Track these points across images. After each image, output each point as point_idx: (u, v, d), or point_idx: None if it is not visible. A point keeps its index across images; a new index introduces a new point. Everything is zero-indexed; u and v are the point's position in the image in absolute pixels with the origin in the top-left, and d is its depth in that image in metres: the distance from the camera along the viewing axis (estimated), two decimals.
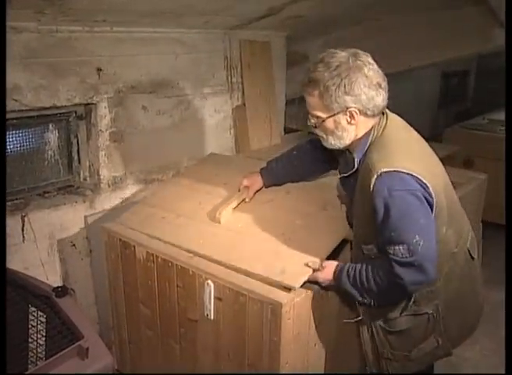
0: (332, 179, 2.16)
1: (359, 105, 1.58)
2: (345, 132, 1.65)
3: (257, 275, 1.80)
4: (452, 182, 1.76)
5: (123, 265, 2.23)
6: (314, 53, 3.95)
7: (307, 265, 1.77)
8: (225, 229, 2.08)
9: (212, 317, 1.89)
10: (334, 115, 1.62)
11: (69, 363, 1.61)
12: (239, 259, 1.87)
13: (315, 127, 1.70)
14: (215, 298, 1.86)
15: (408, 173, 1.51)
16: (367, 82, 1.56)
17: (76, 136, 2.57)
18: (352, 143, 1.68)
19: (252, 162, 2.60)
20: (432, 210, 1.55)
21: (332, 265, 1.73)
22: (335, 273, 1.69)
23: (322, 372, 1.99)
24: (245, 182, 2.21)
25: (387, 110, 1.70)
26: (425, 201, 1.52)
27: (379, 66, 1.63)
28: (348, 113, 1.60)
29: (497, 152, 4.21)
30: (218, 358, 1.95)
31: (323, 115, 1.64)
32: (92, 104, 2.50)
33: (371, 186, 1.53)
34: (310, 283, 1.78)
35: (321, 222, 2.00)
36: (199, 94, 3.00)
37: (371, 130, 1.65)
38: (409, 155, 1.60)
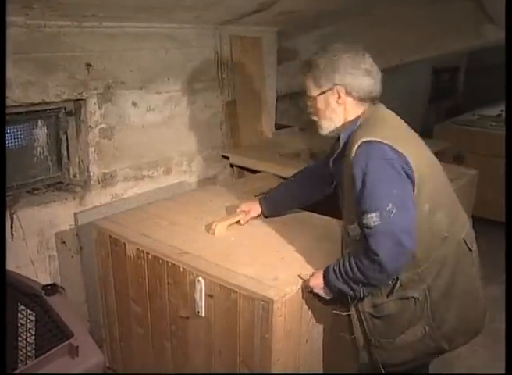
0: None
1: (345, 83, 1.70)
2: (334, 113, 1.75)
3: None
4: None
5: (114, 262, 2.21)
6: (304, 49, 3.95)
7: (299, 276, 1.79)
8: (220, 239, 2.09)
9: (203, 314, 1.88)
10: (324, 92, 1.73)
11: (59, 362, 1.59)
12: (232, 264, 1.87)
13: (311, 109, 1.81)
14: (206, 295, 1.85)
15: (387, 144, 1.57)
16: (355, 65, 1.69)
17: (66, 132, 2.55)
18: (343, 126, 1.76)
19: (246, 195, 2.66)
20: (412, 183, 1.58)
21: (321, 270, 1.74)
22: (323, 274, 1.70)
23: (317, 367, 2.00)
24: (243, 207, 2.25)
25: (380, 103, 1.78)
26: (403, 172, 1.56)
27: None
28: (336, 92, 1.71)
29: (487, 148, 4.25)
30: (210, 355, 1.94)
31: (315, 93, 1.76)
32: (81, 100, 2.48)
33: (352, 156, 1.60)
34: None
35: (315, 250, 2.01)
36: (189, 89, 2.98)
37: (359, 116, 1.73)
38: (392, 132, 1.67)
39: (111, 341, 2.40)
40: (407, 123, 1.78)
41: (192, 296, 1.89)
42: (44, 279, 2.40)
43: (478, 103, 5.67)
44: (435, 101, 6.69)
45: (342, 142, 1.73)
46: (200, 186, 3.07)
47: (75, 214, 2.52)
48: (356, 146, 1.59)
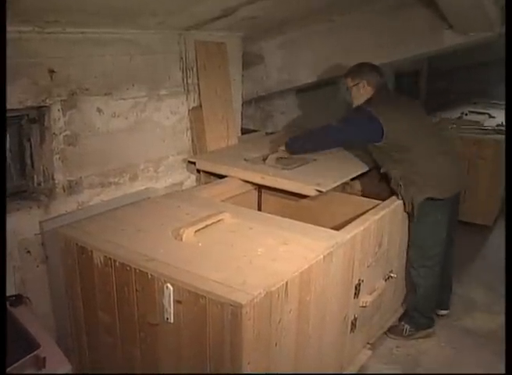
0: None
1: None
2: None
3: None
4: None
5: (80, 270, 2.19)
6: (269, 54, 3.99)
7: None
8: (187, 245, 2.09)
9: (172, 320, 1.88)
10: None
11: (26, 373, 1.57)
12: (200, 269, 1.87)
13: None
14: (174, 301, 1.85)
15: (368, 110, 2.75)
16: None
17: (29, 140, 2.51)
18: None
19: (214, 200, 2.72)
20: (378, 129, 2.70)
21: None
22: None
23: (287, 370, 2.02)
24: None
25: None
26: (371, 122, 2.71)
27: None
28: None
29: None
30: (180, 361, 1.94)
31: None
32: (45, 107, 2.44)
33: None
34: None
35: (282, 253, 2.04)
36: (155, 95, 2.97)
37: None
38: (380, 103, 2.80)
39: (79, 351, 2.37)
40: None
41: (160, 303, 1.89)
42: (9, 290, 2.35)
43: (439, 106, 5.81)
44: None
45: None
46: (167, 192, 3.06)
47: (40, 223, 2.48)
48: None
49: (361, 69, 2.92)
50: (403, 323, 3.04)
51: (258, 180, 2.91)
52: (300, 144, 3.07)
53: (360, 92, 2.90)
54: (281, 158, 3.08)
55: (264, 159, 3.06)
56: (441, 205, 2.80)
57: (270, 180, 2.86)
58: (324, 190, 2.65)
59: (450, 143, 3.10)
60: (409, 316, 3.05)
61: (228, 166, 3.03)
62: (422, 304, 3.01)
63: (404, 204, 2.81)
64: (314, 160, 3.13)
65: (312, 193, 2.68)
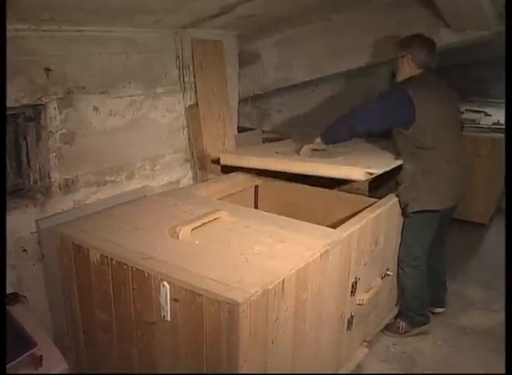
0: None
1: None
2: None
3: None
4: None
5: (77, 268, 2.19)
6: (266, 52, 3.99)
7: None
8: (184, 243, 2.09)
9: (169, 319, 1.88)
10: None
11: (22, 372, 1.57)
12: (196, 268, 1.87)
13: None
14: (171, 299, 1.84)
15: (405, 89, 2.63)
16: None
17: (25, 138, 2.50)
18: None
19: (210, 198, 2.72)
20: (409, 113, 2.60)
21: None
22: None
23: (284, 368, 2.02)
24: None
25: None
26: (404, 103, 2.60)
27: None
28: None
29: None
30: (177, 359, 1.94)
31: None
32: (41, 105, 2.44)
33: None
34: None
35: (278, 251, 2.04)
36: (151, 94, 2.97)
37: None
38: (419, 85, 2.67)
39: (76, 349, 2.37)
40: None
41: (157, 301, 1.89)
42: (6, 288, 2.35)
43: None
44: None
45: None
46: (164, 190, 3.06)
47: (36, 221, 2.47)
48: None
49: (411, 42, 2.75)
50: (398, 320, 3.05)
51: (297, 168, 2.75)
52: (334, 130, 2.82)
53: (404, 66, 2.76)
54: (315, 150, 2.92)
55: (298, 152, 2.93)
56: (435, 215, 2.80)
57: (311, 166, 2.70)
58: (377, 172, 2.53)
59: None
60: (404, 315, 3.06)
61: (259, 158, 2.90)
62: (413, 304, 3.01)
63: (399, 201, 2.80)
64: (347, 154, 2.97)
65: (363, 177, 2.53)
